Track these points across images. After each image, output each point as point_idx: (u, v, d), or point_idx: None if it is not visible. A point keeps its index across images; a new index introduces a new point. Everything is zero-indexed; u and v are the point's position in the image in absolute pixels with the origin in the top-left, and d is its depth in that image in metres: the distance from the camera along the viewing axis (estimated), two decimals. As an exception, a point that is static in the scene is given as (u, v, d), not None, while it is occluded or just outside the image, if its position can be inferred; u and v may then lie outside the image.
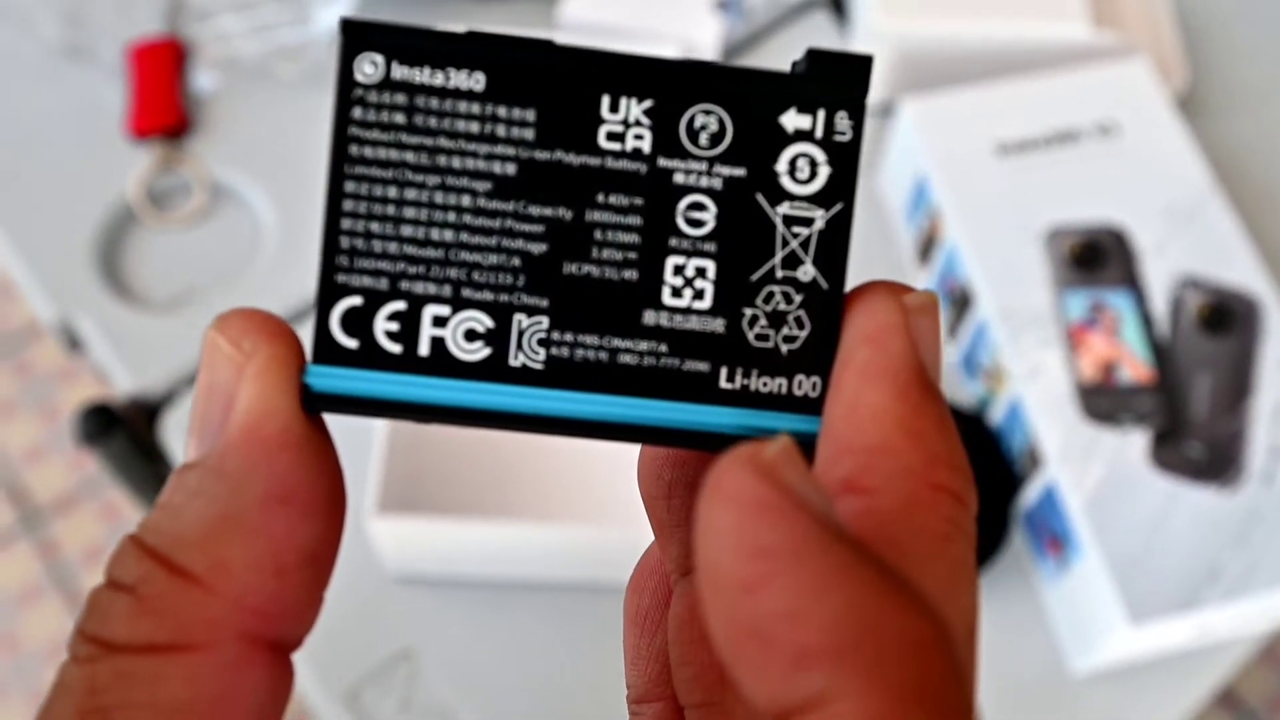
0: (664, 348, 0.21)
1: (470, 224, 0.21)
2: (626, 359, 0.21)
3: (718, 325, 0.22)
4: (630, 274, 0.21)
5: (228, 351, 0.21)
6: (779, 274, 0.22)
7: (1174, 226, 0.68)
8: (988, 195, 0.69)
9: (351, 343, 0.21)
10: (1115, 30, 0.81)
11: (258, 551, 0.20)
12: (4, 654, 1.43)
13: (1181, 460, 0.61)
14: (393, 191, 0.21)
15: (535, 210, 0.21)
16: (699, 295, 0.21)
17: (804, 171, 0.21)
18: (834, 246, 0.22)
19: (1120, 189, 0.69)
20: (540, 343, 0.21)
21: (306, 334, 0.21)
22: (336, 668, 0.62)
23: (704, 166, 0.21)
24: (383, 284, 0.21)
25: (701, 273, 0.21)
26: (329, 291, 0.21)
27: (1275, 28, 0.89)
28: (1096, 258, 0.67)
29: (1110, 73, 0.74)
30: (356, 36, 0.21)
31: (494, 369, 0.21)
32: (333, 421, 0.21)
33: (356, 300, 0.21)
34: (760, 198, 0.21)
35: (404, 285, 0.21)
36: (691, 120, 0.21)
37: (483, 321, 0.21)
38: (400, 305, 0.21)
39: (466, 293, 0.21)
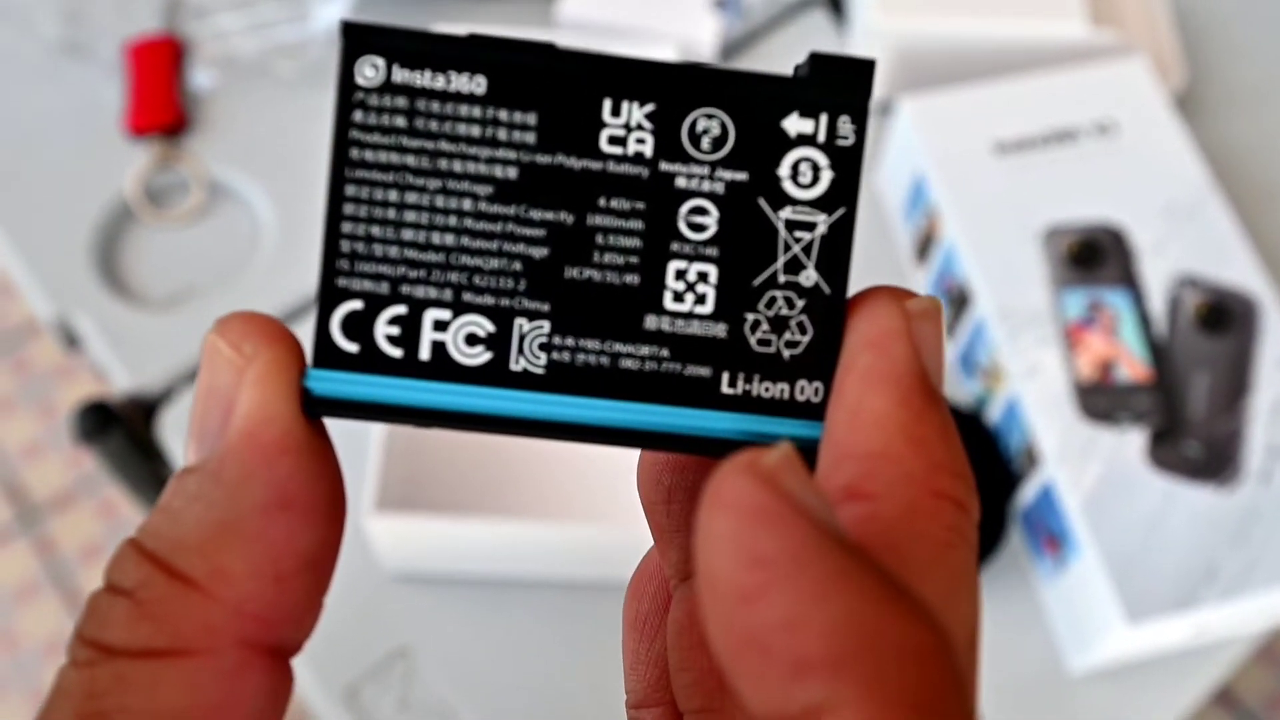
0: (665, 352, 0.21)
1: (471, 228, 0.21)
2: (628, 364, 0.21)
3: (720, 330, 0.21)
4: (632, 278, 0.21)
5: (228, 355, 0.20)
6: (781, 279, 0.21)
7: (1172, 226, 0.68)
8: (986, 194, 0.69)
9: (352, 347, 0.21)
10: (1114, 29, 0.81)
11: (257, 557, 0.20)
12: (2, 652, 1.43)
13: (1179, 459, 0.61)
14: (393, 195, 0.21)
15: (536, 214, 0.21)
16: (701, 300, 0.21)
17: (806, 176, 0.21)
18: (836, 251, 0.22)
19: (1118, 188, 0.69)
20: (541, 347, 0.21)
21: (304, 332, 0.21)
22: (334, 666, 0.62)
23: (706, 171, 0.21)
24: (383, 288, 0.21)
25: (703, 277, 0.21)
26: (330, 295, 0.21)
27: (1273, 27, 0.89)
28: (1094, 257, 0.67)
29: (1108, 72, 0.74)
30: (357, 39, 0.21)
31: (495, 373, 0.21)
32: (330, 421, 0.21)
33: (357, 304, 0.21)
34: (762, 202, 0.21)
35: (405, 289, 0.21)
36: (694, 124, 0.21)
37: (484, 326, 0.21)
38: (401, 309, 0.21)
39: (467, 297, 0.21)
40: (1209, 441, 0.62)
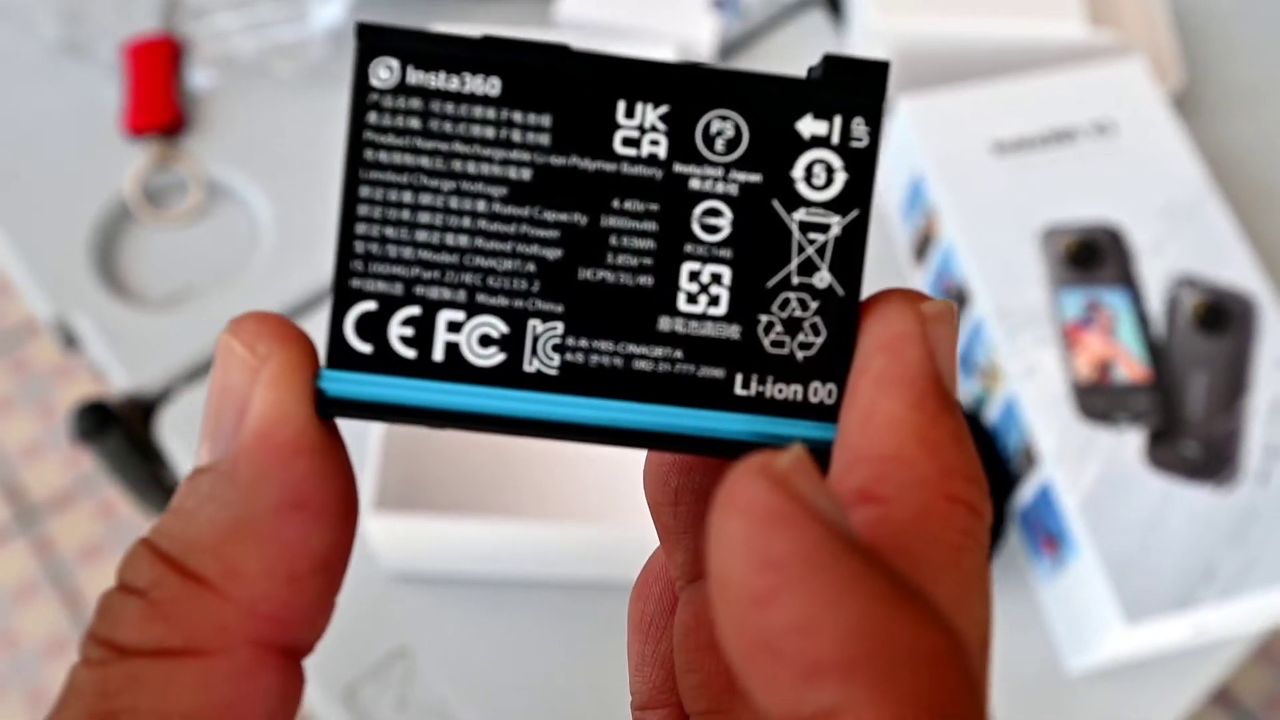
0: (679, 354, 0.21)
1: (485, 229, 0.21)
2: (641, 365, 0.21)
3: (733, 331, 0.21)
4: (645, 280, 0.21)
5: (241, 355, 0.20)
6: (795, 280, 0.21)
7: (1170, 226, 0.68)
8: (984, 194, 0.69)
9: (366, 348, 0.21)
10: (1112, 29, 0.81)
11: (271, 558, 0.20)
12: (0, 652, 1.43)
13: (1177, 459, 0.61)
14: (407, 196, 0.21)
15: (550, 216, 0.21)
16: (714, 301, 0.21)
17: (820, 178, 0.21)
18: (850, 253, 0.22)
19: (1116, 188, 0.69)
20: (555, 348, 0.21)
21: (305, 330, 0.21)
22: (333, 666, 0.62)
23: (720, 172, 0.21)
24: (397, 289, 0.21)
25: (717, 279, 0.21)
26: (344, 296, 0.21)
27: (1271, 27, 0.90)
28: (1092, 257, 0.67)
29: (1107, 72, 0.75)
30: (372, 41, 0.21)
31: (508, 374, 0.21)
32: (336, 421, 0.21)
33: (371, 305, 0.21)
34: (776, 204, 0.21)
35: (419, 290, 0.21)
36: (708, 126, 0.21)
37: (497, 327, 0.21)
38: (415, 310, 0.21)
39: (481, 298, 0.21)
40: (1207, 441, 0.62)
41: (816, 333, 0.22)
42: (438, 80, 0.21)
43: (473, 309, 0.21)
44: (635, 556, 0.62)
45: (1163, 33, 0.84)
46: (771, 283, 0.21)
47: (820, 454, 0.20)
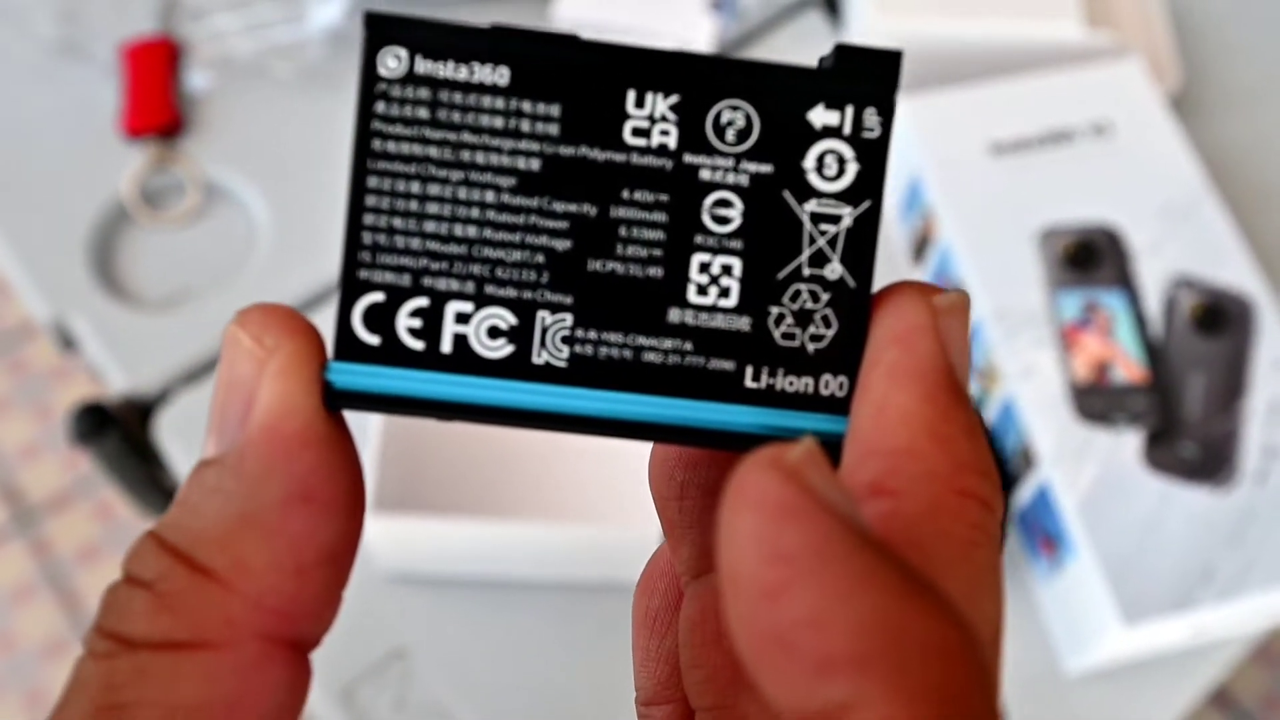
0: (689, 346, 0.21)
1: (494, 220, 0.21)
2: (651, 357, 0.21)
3: (743, 323, 0.21)
4: (655, 271, 0.21)
5: (249, 347, 0.20)
6: (806, 272, 0.21)
7: (1168, 226, 0.68)
8: (982, 195, 0.69)
9: (374, 339, 0.21)
10: (1109, 30, 0.81)
11: (278, 550, 0.20)
12: (-2, 652, 1.43)
13: (1175, 460, 0.62)
14: (416, 187, 0.21)
15: (559, 206, 0.21)
16: (724, 293, 0.21)
17: (832, 168, 0.21)
18: (862, 244, 0.21)
19: (1114, 189, 0.69)
20: (564, 340, 0.21)
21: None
22: (331, 666, 0.62)
23: (730, 163, 0.21)
24: (405, 280, 0.21)
25: (727, 270, 0.21)
26: (351, 287, 0.21)
27: (1269, 28, 0.90)
28: (1090, 258, 0.67)
29: (1104, 72, 0.75)
30: (380, 30, 0.21)
31: (517, 366, 0.21)
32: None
33: (379, 296, 0.21)
34: (787, 194, 0.21)
35: (427, 281, 0.21)
36: (718, 116, 0.21)
37: (506, 318, 0.21)
38: (423, 302, 0.21)
39: (490, 289, 0.21)
40: (1205, 442, 0.62)
41: (828, 325, 0.21)
42: (446, 70, 0.21)
43: (481, 300, 0.21)
44: (633, 557, 0.62)
45: (1160, 33, 0.84)
46: (782, 274, 0.21)
47: (831, 447, 0.20)
